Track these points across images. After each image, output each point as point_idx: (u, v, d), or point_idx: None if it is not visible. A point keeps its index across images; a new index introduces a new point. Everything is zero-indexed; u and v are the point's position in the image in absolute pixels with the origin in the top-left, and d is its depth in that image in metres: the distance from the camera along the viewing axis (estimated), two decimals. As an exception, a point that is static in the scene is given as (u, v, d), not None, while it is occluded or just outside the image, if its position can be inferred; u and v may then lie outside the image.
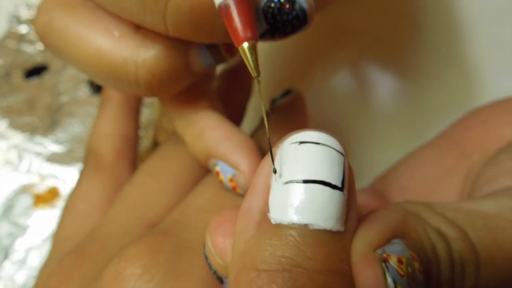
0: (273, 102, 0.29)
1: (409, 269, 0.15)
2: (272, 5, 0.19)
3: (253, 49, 0.17)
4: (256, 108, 0.36)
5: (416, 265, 0.16)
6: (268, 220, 0.15)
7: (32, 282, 0.31)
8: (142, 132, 0.35)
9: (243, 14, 0.17)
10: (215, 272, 0.17)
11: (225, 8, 0.17)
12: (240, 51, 0.17)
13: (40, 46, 0.38)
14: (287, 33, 0.19)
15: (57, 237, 0.26)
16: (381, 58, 0.39)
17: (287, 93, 0.29)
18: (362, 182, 0.31)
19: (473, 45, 0.39)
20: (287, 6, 0.19)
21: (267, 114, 0.18)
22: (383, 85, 0.38)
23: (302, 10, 0.19)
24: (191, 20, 0.18)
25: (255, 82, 0.18)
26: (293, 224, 0.15)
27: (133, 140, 0.29)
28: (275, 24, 0.19)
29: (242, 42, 0.17)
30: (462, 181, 0.26)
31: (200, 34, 0.19)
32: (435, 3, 0.40)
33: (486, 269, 0.17)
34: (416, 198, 0.27)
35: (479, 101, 0.30)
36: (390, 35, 0.40)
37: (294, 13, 0.19)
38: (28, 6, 0.38)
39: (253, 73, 0.17)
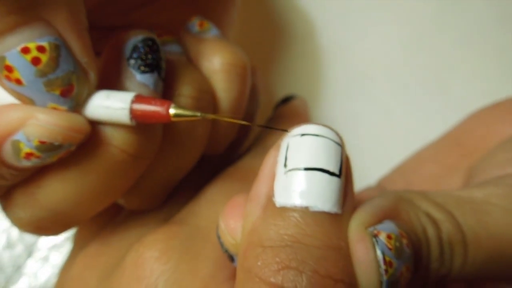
0: (276, 107, 0.30)
1: (397, 244, 0.17)
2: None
3: (178, 107, 0.18)
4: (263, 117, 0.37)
5: (404, 241, 0.17)
6: (273, 204, 0.17)
7: (54, 279, 0.33)
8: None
9: (148, 100, 0.19)
10: (226, 251, 0.19)
11: (134, 111, 0.19)
12: (175, 119, 0.18)
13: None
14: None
15: (78, 234, 0.28)
16: (385, 62, 0.40)
17: (289, 98, 0.30)
18: (369, 181, 0.32)
19: (476, 50, 0.40)
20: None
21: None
22: (388, 89, 0.39)
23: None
24: None
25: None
26: (295, 206, 0.16)
27: None
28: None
29: (169, 113, 0.18)
30: (464, 178, 0.27)
31: None
32: (436, 9, 0.41)
33: (473, 248, 0.19)
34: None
35: (481, 104, 0.31)
36: (395, 40, 0.41)
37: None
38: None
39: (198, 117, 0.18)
